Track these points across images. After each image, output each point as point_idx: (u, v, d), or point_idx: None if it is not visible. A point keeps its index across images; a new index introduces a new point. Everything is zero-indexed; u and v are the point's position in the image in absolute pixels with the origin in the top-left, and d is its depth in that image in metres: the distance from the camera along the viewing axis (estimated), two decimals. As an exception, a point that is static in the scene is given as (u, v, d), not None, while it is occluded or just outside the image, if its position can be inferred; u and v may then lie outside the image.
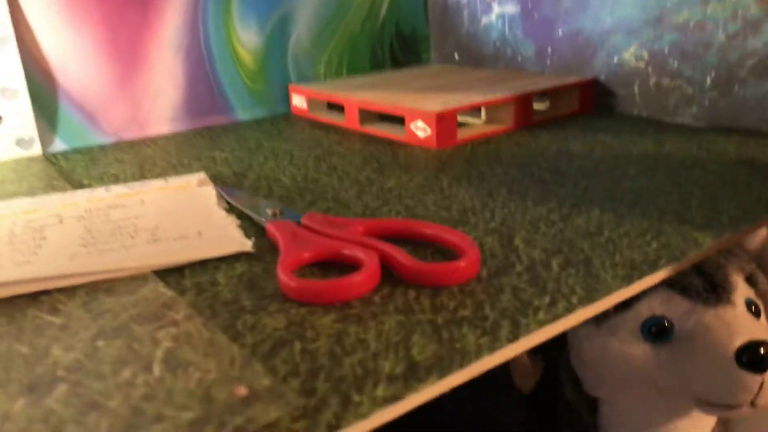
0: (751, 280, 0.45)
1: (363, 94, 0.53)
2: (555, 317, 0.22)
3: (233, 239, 0.30)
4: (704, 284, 0.41)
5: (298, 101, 0.60)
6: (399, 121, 0.51)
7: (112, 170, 0.45)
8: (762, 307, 0.43)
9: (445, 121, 0.45)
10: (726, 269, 0.42)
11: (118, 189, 0.39)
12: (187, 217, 0.34)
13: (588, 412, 0.46)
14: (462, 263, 0.25)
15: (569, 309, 0.23)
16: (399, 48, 0.69)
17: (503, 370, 0.46)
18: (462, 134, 0.47)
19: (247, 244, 0.30)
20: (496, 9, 0.62)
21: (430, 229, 0.29)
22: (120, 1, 0.52)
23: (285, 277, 0.25)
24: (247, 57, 0.59)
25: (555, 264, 0.26)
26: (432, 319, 0.22)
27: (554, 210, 0.33)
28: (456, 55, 0.68)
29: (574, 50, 0.56)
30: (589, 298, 0.23)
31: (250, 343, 0.22)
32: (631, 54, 0.51)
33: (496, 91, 0.51)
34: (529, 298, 0.23)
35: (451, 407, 0.46)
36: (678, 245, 0.27)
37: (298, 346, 0.21)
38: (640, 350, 0.41)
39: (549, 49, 0.58)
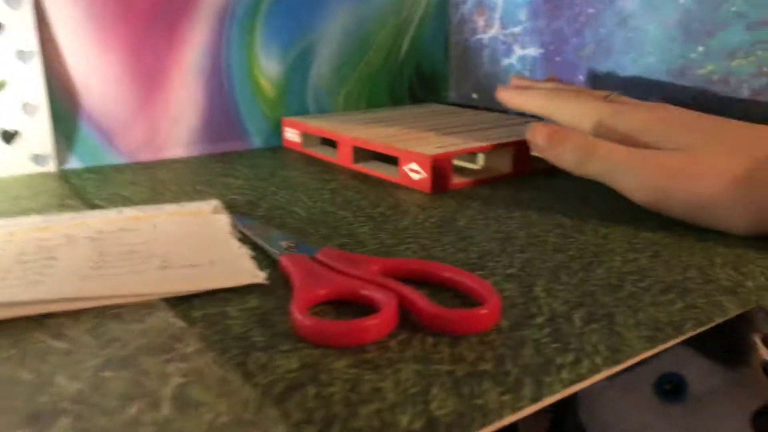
0: (767, 342, 0.43)
1: (358, 130, 0.52)
2: (579, 378, 0.21)
3: (246, 270, 0.30)
4: (722, 343, 0.40)
5: (291, 135, 0.59)
6: (395, 161, 0.50)
7: (124, 192, 0.45)
8: (780, 370, 0.42)
9: (439, 165, 0.44)
10: (744, 329, 0.41)
11: (130, 212, 0.39)
12: (200, 244, 0.33)
13: (596, 469, 0.45)
14: (483, 311, 0.24)
15: (593, 370, 0.22)
16: (418, 85, 0.69)
17: (510, 419, 0.45)
18: (457, 179, 0.46)
19: (259, 276, 0.29)
20: (518, 51, 0.62)
21: (449, 273, 0.28)
22: (145, 23, 0.52)
23: (299, 316, 0.24)
24: (267, 86, 0.60)
25: (577, 318, 0.26)
26: (451, 371, 0.22)
27: (575, 258, 0.32)
28: (475, 95, 0.68)
29: (595, 97, 0.56)
30: (614, 359, 0.22)
31: (262, 383, 0.21)
32: (652, 104, 0.51)
33: (494, 135, 0.50)
34: (551, 355, 0.23)
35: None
36: (703, 308, 0.26)
37: (312, 390, 0.20)
38: (651, 409, 0.40)
39: (569, 95, 0.58)
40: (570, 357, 0.22)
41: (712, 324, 0.25)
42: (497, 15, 0.63)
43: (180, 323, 0.25)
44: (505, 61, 0.64)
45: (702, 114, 0.38)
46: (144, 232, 0.35)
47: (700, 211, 0.35)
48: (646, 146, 0.37)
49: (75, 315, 0.26)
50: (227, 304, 0.27)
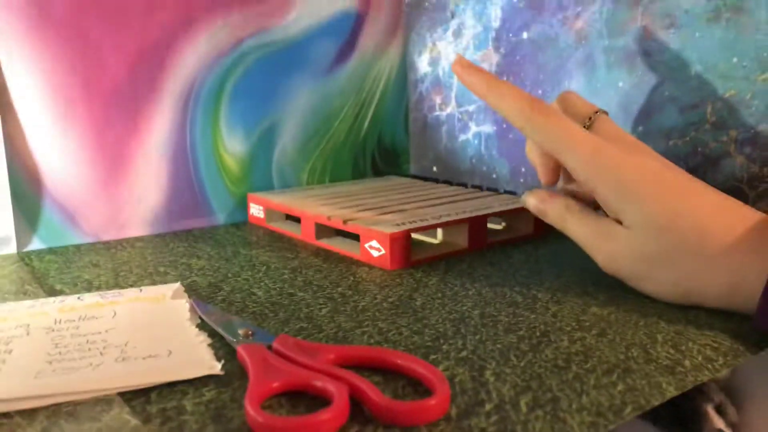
0: (720, 411, 0.45)
1: (321, 207, 0.54)
2: (522, 467, 0.22)
3: (203, 361, 0.30)
4: (674, 415, 0.41)
5: (256, 210, 0.61)
6: (356, 236, 0.51)
7: (86, 275, 0.45)
8: (732, 438, 0.43)
9: (398, 243, 0.46)
10: (695, 400, 0.42)
11: (90, 298, 0.39)
12: (159, 333, 0.34)
13: None
14: (432, 402, 0.25)
15: (536, 458, 0.23)
16: (380, 159, 0.72)
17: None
18: (416, 254, 0.48)
19: (215, 367, 0.29)
20: (473, 128, 0.65)
21: (401, 360, 0.29)
22: (109, 104, 0.54)
23: (252, 411, 0.24)
24: (231, 163, 0.61)
25: (523, 404, 0.27)
26: (399, 465, 0.22)
27: (524, 338, 0.33)
28: (434, 168, 0.70)
29: (547, 172, 0.58)
30: (556, 445, 0.23)
31: (212, 486, 0.21)
32: (599, 180, 0.54)
33: (452, 210, 0.52)
34: (496, 444, 0.23)
35: None
36: (643, 390, 0.28)
37: (261, 491, 0.21)
38: (611, 481, 0.41)
39: (522, 169, 0.61)
40: (514, 447, 0.23)
41: (650, 407, 0.26)
42: (452, 93, 0.67)
43: (135, 421, 0.25)
44: (462, 137, 0.66)
45: (676, 178, 0.37)
46: (103, 321, 0.35)
47: (645, 287, 0.39)
48: (605, 195, 0.38)
49: (30, 414, 0.26)
50: (184, 397, 0.27)
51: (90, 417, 0.25)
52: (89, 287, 0.42)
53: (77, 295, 0.40)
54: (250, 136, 0.62)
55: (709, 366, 0.30)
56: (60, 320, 0.36)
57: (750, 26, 0.43)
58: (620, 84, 0.52)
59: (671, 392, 0.28)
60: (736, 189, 0.45)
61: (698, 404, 0.44)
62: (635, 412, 0.26)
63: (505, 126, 0.62)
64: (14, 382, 0.28)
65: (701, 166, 0.47)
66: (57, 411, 0.26)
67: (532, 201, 0.44)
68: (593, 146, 0.38)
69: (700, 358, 0.31)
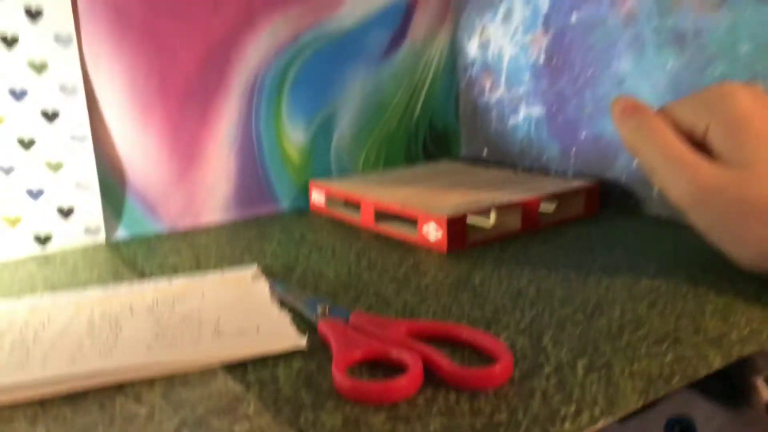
0: (770, 380, 0.46)
1: (379, 192, 0.57)
2: (579, 429, 0.25)
3: (289, 336, 0.34)
4: (724, 387, 0.43)
5: (317, 197, 0.64)
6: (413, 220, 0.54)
7: (170, 260, 0.50)
8: (782, 407, 0.45)
9: (455, 226, 0.49)
10: (745, 371, 0.44)
11: (179, 281, 0.43)
12: (245, 311, 0.38)
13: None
14: (497, 369, 0.28)
15: (592, 421, 0.25)
16: (432, 143, 0.74)
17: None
18: (471, 237, 0.50)
19: (302, 342, 0.33)
20: (523, 110, 0.67)
21: (466, 333, 0.32)
22: (181, 100, 0.58)
23: (340, 377, 0.28)
24: (293, 152, 0.65)
25: (580, 366, 0.29)
26: (471, 424, 0.25)
27: (579, 310, 0.36)
28: (485, 151, 0.73)
29: (597, 152, 0.60)
30: (610, 411, 0.26)
31: (312, 438, 0.25)
32: (649, 158, 0.55)
33: (505, 194, 0.54)
34: (557, 406, 0.26)
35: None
36: (690, 361, 0.30)
37: (354, 443, 0.24)
38: (664, 447, 0.43)
39: (573, 150, 0.62)
40: (572, 408, 0.26)
41: (697, 378, 0.29)
42: (502, 77, 0.69)
43: (238, 387, 0.29)
44: (512, 120, 0.68)
45: None
46: (194, 301, 0.40)
47: (720, 233, 0.37)
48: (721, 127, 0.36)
49: (148, 382, 0.30)
50: (276, 368, 0.31)
51: (200, 384, 0.30)
52: (175, 270, 0.47)
53: (167, 279, 0.44)
54: (309, 125, 0.65)
55: (755, 339, 0.32)
56: (157, 300, 0.40)
57: (800, 4, 0.44)
58: (669, 65, 0.53)
59: (718, 363, 0.30)
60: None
61: (747, 376, 0.46)
62: (683, 381, 0.28)
63: (555, 108, 0.63)
64: (132, 355, 0.32)
65: (752, 142, 0.48)
66: (171, 379, 0.30)
67: (615, 111, 0.41)
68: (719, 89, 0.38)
69: (746, 331, 0.33)
